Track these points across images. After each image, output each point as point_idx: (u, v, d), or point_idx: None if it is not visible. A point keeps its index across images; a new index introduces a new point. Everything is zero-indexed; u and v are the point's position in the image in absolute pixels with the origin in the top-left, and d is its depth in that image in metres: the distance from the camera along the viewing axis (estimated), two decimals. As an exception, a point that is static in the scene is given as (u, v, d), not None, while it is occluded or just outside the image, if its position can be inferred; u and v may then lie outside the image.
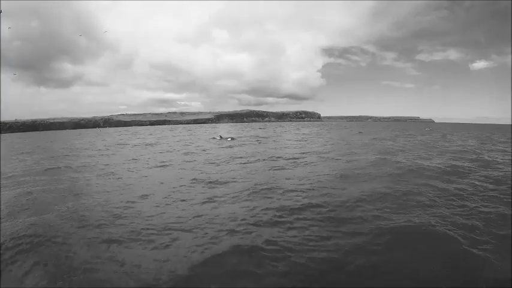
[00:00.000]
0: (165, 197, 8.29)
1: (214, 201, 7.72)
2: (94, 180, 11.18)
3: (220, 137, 29.30)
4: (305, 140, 28.63)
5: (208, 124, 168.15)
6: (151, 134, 52.18)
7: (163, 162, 15.56)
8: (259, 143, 26.01)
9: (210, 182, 10.00)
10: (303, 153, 17.83)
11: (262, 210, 6.83)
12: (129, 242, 5.41)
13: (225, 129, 66.83)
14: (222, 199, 7.89)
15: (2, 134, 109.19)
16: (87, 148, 26.42)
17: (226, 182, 9.93)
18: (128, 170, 13.29)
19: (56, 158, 19.27)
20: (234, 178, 10.57)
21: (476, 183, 9.13)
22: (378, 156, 14.97)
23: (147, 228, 6.00)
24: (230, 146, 22.93)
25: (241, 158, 16.29)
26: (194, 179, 10.65)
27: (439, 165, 12.07)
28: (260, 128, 70.22)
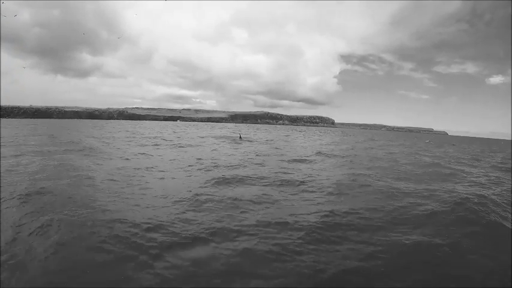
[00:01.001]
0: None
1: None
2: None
3: (240, 136, 29.39)
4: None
5: (222, 123, 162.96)
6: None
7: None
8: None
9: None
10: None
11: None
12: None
13: (234, 128, 66.38)
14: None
15: (16, 119, 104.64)
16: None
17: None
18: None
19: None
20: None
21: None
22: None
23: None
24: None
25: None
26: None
27: None
28: (265, 130, 66.85)
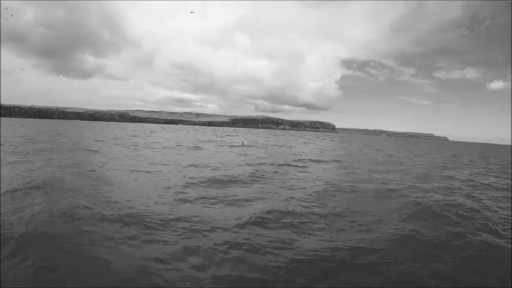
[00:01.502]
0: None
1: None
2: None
3: (243, 143, 29.08)
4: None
5: (222, 128, 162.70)
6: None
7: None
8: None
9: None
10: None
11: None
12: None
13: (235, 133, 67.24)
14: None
15: (18, 118, 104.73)
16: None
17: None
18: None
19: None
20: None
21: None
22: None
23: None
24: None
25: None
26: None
27: None
28: (265, 136, 66.68)
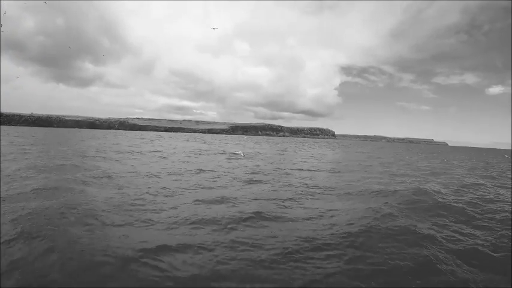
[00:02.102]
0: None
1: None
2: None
3: (243, 154, 27.85)
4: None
5: (222, 135, 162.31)
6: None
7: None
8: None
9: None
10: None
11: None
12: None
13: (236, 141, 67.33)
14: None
15: (17, 127, 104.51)
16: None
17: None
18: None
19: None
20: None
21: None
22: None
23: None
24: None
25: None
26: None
27: None
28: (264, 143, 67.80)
